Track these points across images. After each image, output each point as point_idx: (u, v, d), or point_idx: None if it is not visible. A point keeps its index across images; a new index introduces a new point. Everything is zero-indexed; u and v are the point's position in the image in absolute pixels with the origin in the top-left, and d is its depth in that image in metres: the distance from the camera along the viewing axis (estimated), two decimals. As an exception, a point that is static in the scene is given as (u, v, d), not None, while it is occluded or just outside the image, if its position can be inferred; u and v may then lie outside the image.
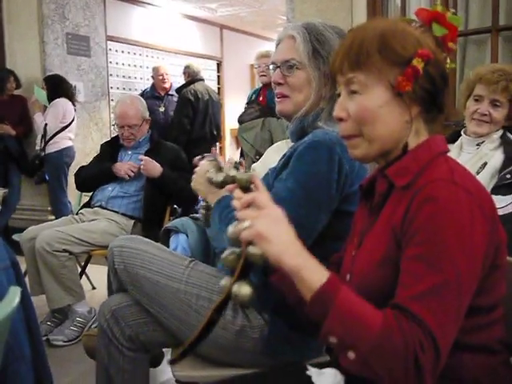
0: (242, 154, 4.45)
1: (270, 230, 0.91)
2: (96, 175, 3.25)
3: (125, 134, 3.21)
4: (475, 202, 0.91)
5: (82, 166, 3.45)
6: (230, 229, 0.97)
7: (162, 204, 3.18)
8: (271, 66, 1.57)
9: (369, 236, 1.05)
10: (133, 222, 3.14)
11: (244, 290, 0.92)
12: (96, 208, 3.18)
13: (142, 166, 3.06)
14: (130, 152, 3.26)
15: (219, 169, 1.26)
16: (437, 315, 0.85)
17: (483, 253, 0.91)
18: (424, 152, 1.00)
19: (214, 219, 1.42)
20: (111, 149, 3.35)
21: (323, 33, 1.48)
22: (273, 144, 3.98)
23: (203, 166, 1.49)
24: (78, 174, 3.34)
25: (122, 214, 3.14)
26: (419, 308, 0.85)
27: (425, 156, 1.00)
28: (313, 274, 0.90)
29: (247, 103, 4.43)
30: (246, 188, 1.08)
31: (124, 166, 3.15)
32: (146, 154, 3.16)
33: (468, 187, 0.92)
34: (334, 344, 0.87)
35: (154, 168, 3.07)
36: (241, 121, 4.28)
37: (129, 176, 3.13)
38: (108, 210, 3.14)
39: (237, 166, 1.50)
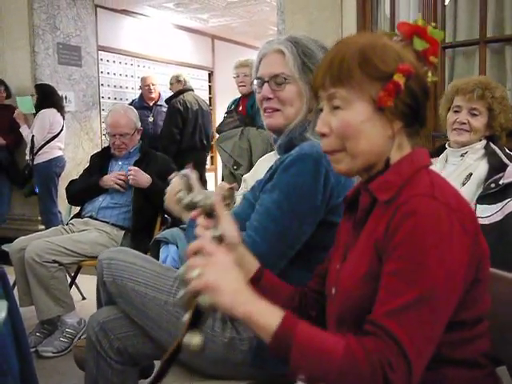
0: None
1: (219, 279, 0.90)
2: (85, 189, 3.24)
3: (116, 143, 3.21)
4: (455, 217, 0.90)
5: (73, 180, 3.44)
6: (181, 270, 0.97)
7: (151, 214, 3.17)
8: (256, 81, 1.56)
9: (353, 251, 1.05)
10: (123, 232, 3.13)
11: (195, 340, 0.91)
12: (86, 218, 3.17)
13: (130, 177, 3.06)
14: (120, 162, 3.26)
15: (189, 188, 1.25)
16: (410, 331, 0.84)
17: (464, 267, 0.91)
18: (406, 166, 1.00)
19: (188, 234, 1.42)
20: (101, 160, 3.35)
21: (309, 46, 1.49)
22: (251, 153, 4.00)
23: (174, 185, 1.46)
24: (69, 189, 3.34)
25: (113, 225, 3.13)
26: (393, 324, 0.85)
27: (407, 170, 0.99)
28: (266, 317, 0.90)
29: (226, 112, 4.42)
30: (208, 214, 1.10)
31: (110, 177, 3.15)
32: (135, 165, 3.16)
33: (448, 202, 0.92)
34: (304, 380, 0.86)
35: (143, 178, 3.07)
36: (219, 130, 4.27)
37: (119, 185, 3.12)
38: (98, 220, 3.13)
39: (226, 193, 1.50)
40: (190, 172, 1.27)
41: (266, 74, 1.52)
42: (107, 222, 3.12)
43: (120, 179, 3.12)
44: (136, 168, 3.08)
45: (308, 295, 1.25)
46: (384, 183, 1.00)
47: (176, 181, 1.43)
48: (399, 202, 0.94)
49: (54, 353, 2.82)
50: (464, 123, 2.16)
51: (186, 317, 0.95)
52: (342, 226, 1.18)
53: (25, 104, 4.91)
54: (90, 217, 3.17)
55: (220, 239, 1.08)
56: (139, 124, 3.30)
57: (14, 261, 2.94)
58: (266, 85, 1.52)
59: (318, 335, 0.89)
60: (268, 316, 0.90)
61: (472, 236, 0.93)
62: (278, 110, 1.52)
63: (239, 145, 3.98)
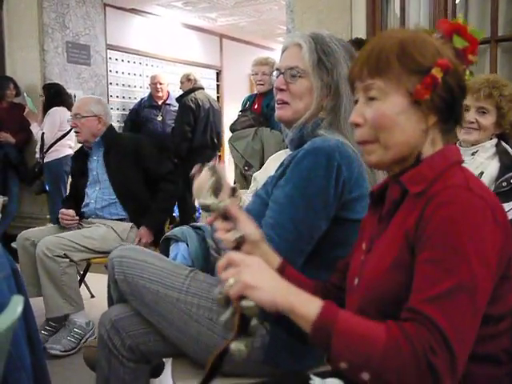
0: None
1: (255, 278, 0.92)
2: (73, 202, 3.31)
3: (71, 124, 3.27)
4: (489, 209, 0.92)
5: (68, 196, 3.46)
6: (217, 295, 0.98)
7: (143, 194, 3.21)
8: (275, 73, 1.58)
9: (379, 241, 1.05)
10: (129, 225, 3.16)
11: (242, 350, 0.92)
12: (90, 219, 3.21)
13: (142, 242, 3.13)
14: (94, 157, 3.25)
15: (218, 184, 1.24)
16: (450, 317, 0.85)
17: (496, 260, 0.91)
18: (439, 160, 1.01)
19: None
20: (79, 161, 3.36)
21: (329, 44, 1.50)
22: (263, 155, 3.98)
23: (202, 179, 1.43)
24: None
25: (116, 220, 3.16)
26: (433, 310, 0.85)
27: (440, 164, 1.00)
28: (307, 306, 0.91)
29: (241, 111, 4.40)
30: (224, 217, 1.10)
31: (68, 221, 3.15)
32: (105, 158, 3.18)
33: (483, 195, 0.93)
34: (346, 369, 0.87)
35: (147, 240, 3.14)
36: (233, 129, 4.25)
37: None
38: (103, 218, 3.17)
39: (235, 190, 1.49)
40: (217, 165, 1.26)
41: (283, 66, 1.54)
42: (110, 219, 3.15)
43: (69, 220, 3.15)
44: (141, 235, 3.15)
45: (330, 291, 1.25)
46: (416, 175, 1.00)
47: (205, 175, 1.42)
48: (432, 193, 0.95)
49: (61, 351, 2.82)
50: (472, 122, 2.16)
51: (225, 317, 0.96)
52: (366, 221, 1.18)
53: (29, 101, 4.94)
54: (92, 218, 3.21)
55: (242, 239, 1.09)
56: (102, 113, 3.24)
57: (19, 249, 2.98)
58: (280, 76, 1.53)
59: (359, 322, 0.89)
60: (309, 305, 0.91)
61: (504, 229, 0.93)
62: (287, 103, 1.53)
63: (252, 145, 3.95)
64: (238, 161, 4.09)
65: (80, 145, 3.43)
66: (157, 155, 3.26)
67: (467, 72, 1.05)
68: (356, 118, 1.05)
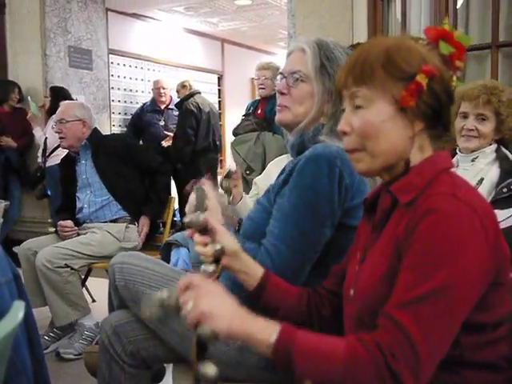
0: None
1: (212, 306, 0.94)
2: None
3: (55, 130, 3.27)
4: (477, 217, 0.91)
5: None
6: (158, 296, 1.01)
7: (139, 190, 3.24)
8: (279, 77, 1.58)
9: (372, 252, 1.05)
10: (124, 225, 3.16)
11: (210, 370, 0.94)
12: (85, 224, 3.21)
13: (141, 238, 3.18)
14: (83, 161, 3.25)
15: (202, 203, 1.24)
16: (421, 322, 0.85)
17: (482, 267, 0.90)
18: (428, 168, 1.01)
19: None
20: (66, 167, 3.36)
21: (333, 51, 1.50)
22: (265, 159, 3.99)
23: (190, 201, 1.39)
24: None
25: (111, 221, 3.17)
26: (404, 315, 0.85)
27: (429, 172, 1.00)
28: (264, 332, 0.92)
29: (244, 115, 4.42)
30: (202, 230, 1.12)
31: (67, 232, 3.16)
32: (94, 158, 3.19)
33: (470, 202, 0.92)
34: None
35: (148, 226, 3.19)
36: (236, 133, 4.27)
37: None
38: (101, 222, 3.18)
39: (229, 174, 1.50)
40: (203, 186, 1.27)
41: (286, 70, 1.54)
42: (105, 222, 3.16)
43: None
44: (142, 231, 3.19)
45: (322, 295, 1.25)
46: (405, 185, 1.00)
47: (192, 196, 1.43)
48: (420, 201, 0.95)
49: (75, 355, 2.84)
50: (471, 129, 2.15)
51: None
52: (360, 228, 1.18)
53: (33, 105, 4.95)
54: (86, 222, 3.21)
55: (221, 252, 1.09)
56: (86, 117, 3.24)
57: (22, 261, 2.98)
58: (283, 80, 1.54)
59: (317, 339, 0.90)
60: (266, 331, 0.92)
61: (492, 238, 0.93)
62: (287, 107, 1.53)
63: (254, 150, 3.97)
64: (240, 165, 4.10)
65: (65, 152, 3.44)
66: (145, 149, 3.33)
67: (454, 78, 1.04)
68: (343, 126, 1.05)
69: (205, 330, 0.92)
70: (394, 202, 1.03)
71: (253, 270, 1.24)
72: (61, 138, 3.23)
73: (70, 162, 3.33)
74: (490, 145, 2.18)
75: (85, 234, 3.12)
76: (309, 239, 1.36)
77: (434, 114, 1.01)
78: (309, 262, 1.40)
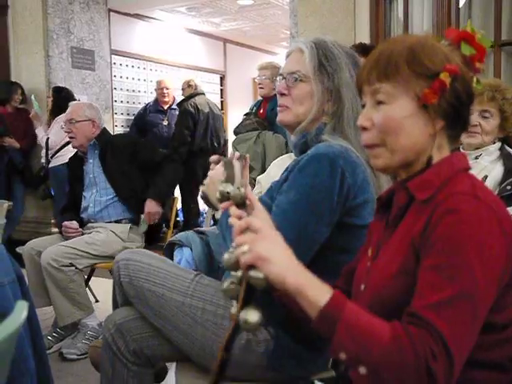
0: None
1: (270, 251, 0.90)
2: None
3: (65, 130, 3.28)
4: (495, 218, 0.92)
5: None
6: (226, 256, 0.96)
7: (143, 191, 3.22)
8: (278, 78, 1.59)
9: (385, 248, 1.05)
10: (128, 225, 3.18)
11: (252, 316, 0.89)
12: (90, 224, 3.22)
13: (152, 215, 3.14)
14: (90, 160, 3.26)
15: (231, 178, 1.23)
16: (451, 325, 0.85)
17: (501, 269, 0.91)
18: (446, 167, 1.01)
19: (222, 225, 1.41)
20: (74, 167, 3.37)
21: (331, 50, 1.51)
22: (265, 158, 4.00)
23: (216, 173, 1.45)
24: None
25: (115, 222, 3.18)
26: (434, 317, 0.85)
27: (447, 171, 1.00)
28: (317, 291, 0.90)
29: (245, 114, 4.44)
30: (240, 204, 1.09)
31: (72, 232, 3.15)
32: (100, 159, 3.20)
33: (489, 203, 0.93)
34: (345, 360, 0.87)
35: (156, 211, 3.15)
36: (237, 132, 4.29)
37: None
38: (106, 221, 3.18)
39: (241, 160, 1.47)
40: (234, 159, 1.25)
41: (285, 71, 1.55)
42: (109, 222, 3.17)
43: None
44: (149, 212, 3.15)
45: None
46: (423, 182, 1.01)
47: (219, 169, 1.43)
48: (438, 200, 0.95)
49: (78, 355, 2.86)
50: (475, 125, 2.15)
51: (227, 283, 0.95)
52: (373, 226, 1.18)
53: (35, 105, 4.97)
54: (91, 222, 3.22)
55: None
56: (96, 118, 3.25)
57: (27, 261, 2.99)
58: (283, 81, 1.55)
59: (366, 316, 0.89)
60: (319, 290, 0.90)
61: (509, 239, 0.93)
62: (287, 108, 1.54)
63: (254, 149, 3.98)
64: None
65: (70, 152, 3.45)
66: (150, 145, 3.31)
67: (474, 79, 1.05)
68: (364, 121, 1.05)
69: (258, 275, 0.89)
70: (409, 198, 1.03)
71: None
72: (71, 137, 3.25)
73: (77, 162, 3.35)
74: (494, 143, 2.18)
75: (89, 233, 3.13)
76: (305, 236, 1.36)
77: (455, 113, 1.01)
78: (304, 258, 1.39)
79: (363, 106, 1.08)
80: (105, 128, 3.34)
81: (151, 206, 3.12)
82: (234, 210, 1.05)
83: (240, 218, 1.08)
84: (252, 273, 0.90)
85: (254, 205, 1.14)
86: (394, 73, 1.00)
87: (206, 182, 1.50)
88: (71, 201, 3.36)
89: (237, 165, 1.23)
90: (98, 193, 3.20)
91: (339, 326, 0.86)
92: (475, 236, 0.89)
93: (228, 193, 1.08)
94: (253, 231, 0.94)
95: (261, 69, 4.30)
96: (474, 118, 2.15)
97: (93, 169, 3.24)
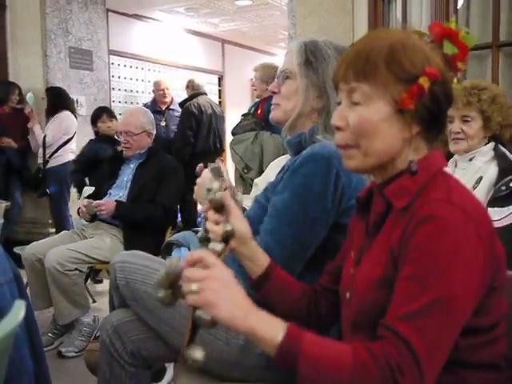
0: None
1: (218, 295, 0.87)
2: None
3: (122, 140, 3.25)
4: (471, 223, 0.89)
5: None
6: (162, 272, 0.94)
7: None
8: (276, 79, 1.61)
9: (367, 255, 1.04)
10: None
11: (197, 354, 0.88)
12: (97, 221, 3.19)
13: (99, 213, 3.08)
14: (131, 165, 3.27)
15: (219, 180, 1.23)
16: (424, 335, 0.83)
17: (479, 274, 0.89)
18: (422, 171, 0.98)
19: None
20: (113, 163, 3.37)
21: (320, 47, 1.52)
22: (263, 158, 4.01)
23: (203, 178, 1.45)
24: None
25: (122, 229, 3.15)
26: (406, 328, 0.84)
27: (423, 175, 0.98)
28: (270, 330, 0.88)
29: (243, 115, 4.45)
30: (218, 209, 1.08)
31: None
32: (138, 167, 3.20)
33: (465, 207, 0.90)
34: None
35: (109, 208, 3.06)
36: (234, 133, 4.29)
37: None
38: (106, 223, 3.16)
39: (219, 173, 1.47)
40: (219, 165, 1.25)
41: (278, 71, 1.59)
42: (116, 225, 3.14)
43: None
44: (100, 202, 3.08)
45: (318, 292, 1.24)
46: (399, 189, 0.98)
47: (206, 174, 1.43)
48: (415, 207, 0.93)
49: (76, 352, 2.88)
50: (458, 132, 2.16)
51: (162, 294, 0.94)
52: (353, 226, 1.16)
53: (29, 99, 4.97)
54: (101, 220, 3.19)
55: (231, 234, 1.07)
56: (150, 127, 3.28)
57: (27, 266, 2.98)
58: (275, 80, 1.58)
59: (325, 345, 0.87)
60: (271, 329, 0.88)
61: (487, 243, 0.91)
62: (278, 105, 1.57)
63: (251, 149, 3.99)
64: (237, 163, 4.13)
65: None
66: (172, 189, 3.21)
67: (455, 80, 1.01)
68: (337, 121, 1.02)
69: (204, 316, 0.87)
70: (387, 205, 1.01)
71: (259, 259, 1.21)
72: (126, 147, 3.23)
73: (118, 159, 3.36)
74: (487, 143, 2.18)
75: (91, 237, 3.12)
76: (300, 237, 1.36)
77: (432, 117, 0.98)
78: (299, 260, 1.40)
79: (339, 104, 1.04)
80: (155, 138, 3.35)
81: (109, 206, 3.05)
82: (211, 215, 1.06)
83: (217, 222, 1.08)
84: (199, 313, 0.88)
85: (231, 210, 1.13)
86: (371, 73, 0.97)
87: (195, 189, 1.50)
88: (95, 193, 3.35)
89: (225, 170, 1.24)
90: (123, 198, 3.18)
91: (301, 360, 0.85)
92: (450, 243, 0.87)
93: (206, 196, 1.09)
94: (205, 266, 0.91)
95: (253, 70, 4.36)
96: (456, 124, 2.15)
97: (129, 173, 3.24)
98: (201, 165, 1.56)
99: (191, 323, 0.90)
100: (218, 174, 1.23)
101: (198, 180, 1.50)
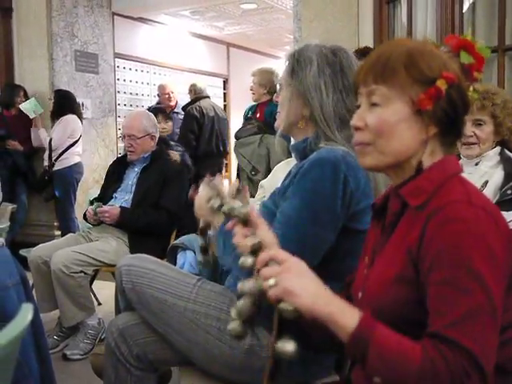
0: (238, 169, 4.48)
1: (297, 284, 0.92)
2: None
3: (125, 144, 3.25)
4: (493, 222, 0.92)
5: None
6: (249, 284, 0.99)
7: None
8: None
9: (381, 255, 1.05)
10: None
11: (288, 346, 0.92)
12: (103, 224, 3.18)
13: (103, 219, 3.07)
14: (136, 169, 3.26)
15: (219, 195, 1.26)
16: (477, 339, 0.85)
17: (505, 271, 0.92)
18: (438, 172, 1.01)
19: (219, 245, 1.42)
20: (117, 167, 3.37)
21: (304, 53, 1.51)
22: (269, 160, 4.03)
23: (203, 192, 1.46)
24: None
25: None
26: (458, 334, 0.85)
27: (439, 176, 1.00)
28: (346, 316, 0.90)
29: (246, 119, 4.47)
30: (244, 223, 1.11)
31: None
32: (142, 171, 3.20)
33: (485, 207, 0.93)
34: (379, 382, 0.88)
35: (113, 215, 3.05)
36: (238, 136, 4.30)
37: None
38: (113, 226, 3.14)
39: (239, 191, 1.51)
40: (218, 179, 1.27)
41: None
42: (121, 228, 3.14)
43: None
44: (103, 209, 3.06)
45: None
46: (415, 189, 1.01)
47: (205, 188, 1.44)
48: (433, 207, 0.95)
49: (81, 355, 2.89)
50: (470, 136, 2.15)
51: (234, 324, 0.99)
52: (369, 233, 1.18)
53: (33, 104, 4.96)
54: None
55: (259, 246, 1.09)
56: (153, 130, 3.27)
57: (33, 269, 2.98)
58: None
59: (396, 338, 0.89)
60: (348, 316, 0.91)
61: (507, 241, 0.93)
62: (278, 113, 1.61)
63: (258, 152, 4.01)
64: (244, 166, 4.14)
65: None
66: (175, 193, 3.17)
67: (471, 89, 1.05)
68: (357, 121, 1.05)
69: (287, 307, 0.91)
70: (403, 205, 1.03)
71: None
72: (130, 151, 3.23)
73: (122, 163, 3.35)
74: (493, 148, 2.18)
75: (96, 240, 3.13)
76: (309, 243, 1.36)
77: (449, 120, 1.01)
78: (308, 265, 1.39)
79: (358, 107, 1.08)
80: (159, 140, 3.34)
81: (113, 213, 3.04)
82: (239, 229, 1.08)
83: (246, 236, 1.10)
84: (282, 305, 0.92)
85: (257, 223, 1.15)
86: (390, 75, 1.00)
87: (195, 205, 1.50)
88: (101, 196, 3.34)
89: (220, 182, 1.25)
90: (127, 202, 3.17)
91: (370, 349, 0.87)
92: (478, 243, 0.89)
93: (234, 209, 1.11)
94: (277, 263, 0.96)
95: (251, 75, 4.41)
96: (468, 128, 2.15)
97: (134, 176, 3.23)
98: (193, 186, 1.57)
99: (277, 318, 0.94)
100: (215, 189, 1.25)
101: (197, 196, 1.50)
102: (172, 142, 4.33)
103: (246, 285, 0.99)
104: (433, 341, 0.87)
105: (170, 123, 4.57)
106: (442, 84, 0.98)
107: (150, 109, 5.93)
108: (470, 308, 0.86)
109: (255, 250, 1.08)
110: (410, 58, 1.00)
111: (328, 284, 1.31)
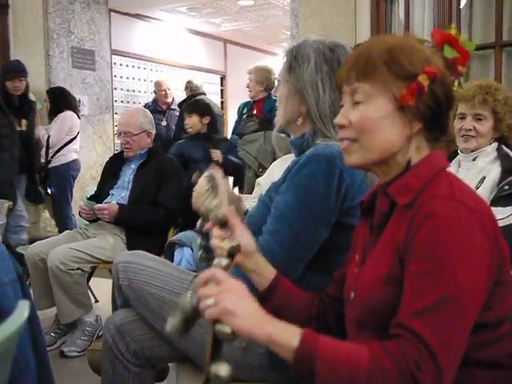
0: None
1: (237, 304, 0.90)
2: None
3: (122, 141, 3.24)
4: (475, 218, 0.91)
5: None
6: (184, 300, 0.97)
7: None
8: None
9: (372, 254, 1.05)
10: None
11: (222, 371, 0.89)
12: (100, 221, 3.18)
13: (102, 217, 3.07)
14: (132, 166, 3.26)
15: (215, 190, 1.25)
16: (437, 330, 0.85)
17: (485, 268, 0.91)
18: (425, 168, 1.01)
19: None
20: (113, 164, 3.37)
21: (302, 49, 1.51)
22: (275, 157, 4.03)
23: (200, 186, 1.45)
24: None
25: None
26: (419, 324, 0.85)
27: (426, 173, 1.00)
28: (286, 336, 0.90)
29: (247, 116, 4.46)
30: (223, 225, 1.11)
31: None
32: (139, 168, 3.19)
33: (468, 203, 0.92)
34: None
35: (111, 212, 3.04)
36: (241, 133, 4.30)
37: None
38: (110, 222, 3.14)
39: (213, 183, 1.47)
40: (215, 173, 1.27)
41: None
42: (119, 225, 3.13)
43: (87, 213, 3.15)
44: (101, 206, 3.06)
45: (326, 301, 1.24)
46: (403, 186, 1.00)
47: (202, 182, 1.44)
48: (418, 204, 0.94)
49: (79, 352, 2.88)
50: (470, 129, 2.16)
51: (174, 322, 0.96)
52: (358, 231, 1.17)
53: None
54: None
55: (237, 249, 1.08)
56: (149, 127, 3.27)
57: (30, 265, 2.98)
58: None
59: (341, 346, 0.88)
60: (287, 335, 0.90)
61: (492, 237, 0.93)
62: (278, 109, 1.59)
63: (264, 148, 4.02)
64: (251, 163, 4.14)
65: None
66: (173, 191, 3.16)
67: (455, 83, 1.04)
68: (340, 119, 1.05)
69: (224, 329, 0.89)
70: (391, 204, 1.02)
71: (265, 272, 1.23)
72: (126, 148, 3.22)
73: (118, 160, 3.35)
74: (491, 143, 2.19)
75: (94, 237, 3.12)
76: (302, 238, 1.36)
77: (433, 116, 1.01)
78: (301, 260, 1.39)
79: (342, 106, 1.07)
80: (155, 137, 3.34)
81: (112, 211, 3.03)
82: (216, 232, 1.08)
83: (223, 238, 1.09)
84: (219, 327, 0.89)
85: (235, 225, 1.15)
86: (372, 72, 1.00)
87: (193, 197, 1.50)
88: (97, 193, 3.34)
89: (220, 178, 1.25)
90: (124, 198, 3.17)
91: (317, 363, 0.86)
92: (455, 239, 0.88)
93: (209, 211, 1.11)
94: (217, 283, 0.94)
95: (247, 73, 4.44)
96: (468, 122, 2.16)
97: (130, 173, 3.23)
98: (197, 172, 1.57)
99: (212, 339, 0.91)
100: (213, 183, 1.25)
101: (195, 188, 1.49)
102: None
103: (184, 300, 0.97)
104: (392, 331, 0.87)
105: None
106: (423, 79, 0.97)
107: (145, 105, 5.94)
108: (437, 300, 0.86)
109: (233, 253, 1.08)
110: (391, 53, 0.99)
111: (322, 278, 1.32)
